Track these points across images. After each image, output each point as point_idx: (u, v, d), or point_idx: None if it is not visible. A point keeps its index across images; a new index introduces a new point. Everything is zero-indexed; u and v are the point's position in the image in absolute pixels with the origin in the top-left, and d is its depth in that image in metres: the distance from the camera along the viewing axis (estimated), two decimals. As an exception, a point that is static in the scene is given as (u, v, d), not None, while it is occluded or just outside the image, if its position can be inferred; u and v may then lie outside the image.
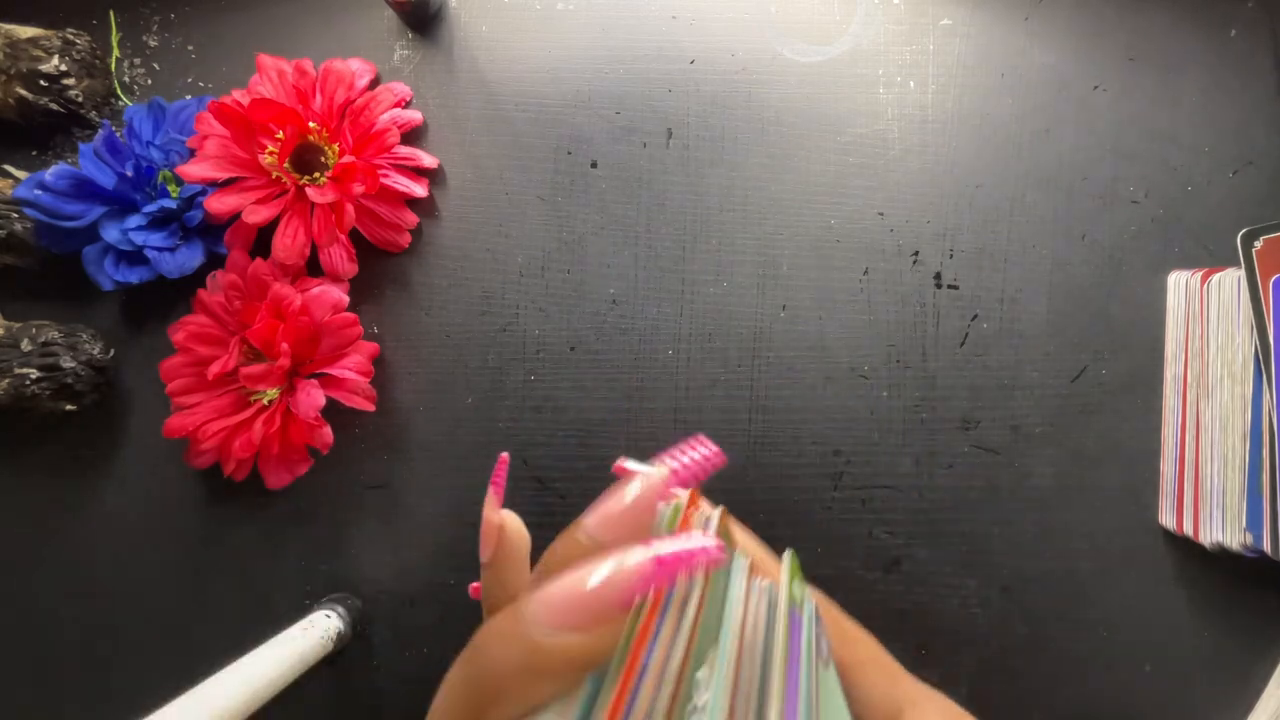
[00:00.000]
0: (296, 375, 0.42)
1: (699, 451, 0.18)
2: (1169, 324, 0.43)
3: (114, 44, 0.46)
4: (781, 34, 0.45)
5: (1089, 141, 0.44)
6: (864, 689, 0.19)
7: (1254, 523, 0.38)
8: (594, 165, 0.45)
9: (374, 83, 0.45)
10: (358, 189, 0.41)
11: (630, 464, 0.21)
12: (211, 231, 0.43)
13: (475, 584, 0.24)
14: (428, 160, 0.44)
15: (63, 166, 0.41)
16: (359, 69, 0.44)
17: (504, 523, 0.21)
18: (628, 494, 0.17)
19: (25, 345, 0.41)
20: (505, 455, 0.23)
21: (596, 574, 0.14)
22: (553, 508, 0.45)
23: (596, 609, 0.14)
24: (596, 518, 0.17)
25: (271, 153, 0.41)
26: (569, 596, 0.14)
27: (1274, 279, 0.38)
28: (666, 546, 0.14)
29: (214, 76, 0.46)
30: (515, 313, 0.45)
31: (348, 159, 0.41)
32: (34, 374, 0.41)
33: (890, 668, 0.20)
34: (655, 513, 0.17)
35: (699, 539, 0.14)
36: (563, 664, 0.13)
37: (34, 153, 0.45)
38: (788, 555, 0.18)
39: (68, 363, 0.41)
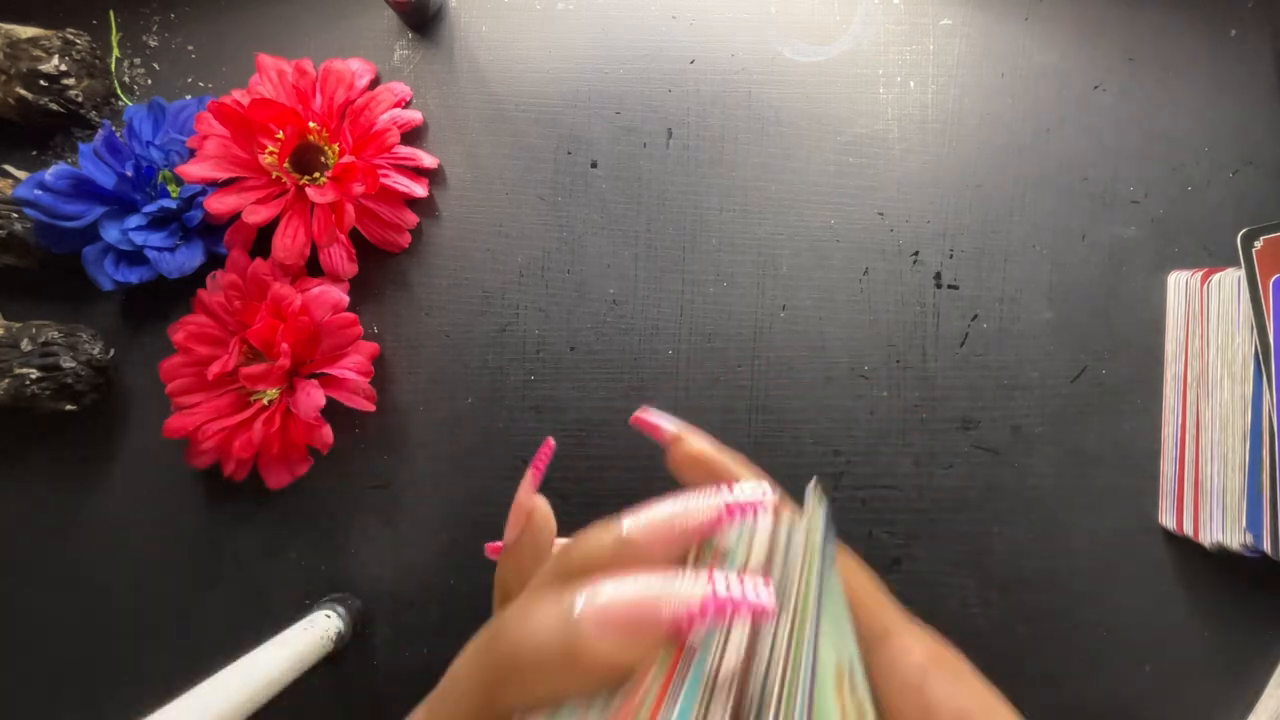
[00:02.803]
0: (296, 375, 0.42)
1: (761, 494, 0.17)
2: (1169, 324, 0.43)
3: (114, 44, 0.46)
4: (781, 34, 0.45)
5: (1089, 141, 0.44)
6: (860, 607, 0.21)
7: (1254, 523, 0.38)
8: (594, 165, 0.45)
9: (374, 83, 0.45)
10: (358, 189, 0.41)
11: (656, 416, 0.22)
12: (211, 231, 0.43)
13: (493, 544, 0.24)
14: (428, 160, 0.44)
15: (63, 166, 0.41)
16: (359, 69, 0.44)
17: (536, 507, 0.20)
18: (673, 507, 0.16)
19: (25, 345, 0.41)
20: (551, 440, 0.22)
21: (646, 585, 0.14)
22: (552, 508, 0.44)
23: (643, 622, 0.13)
24: (636, 520, 0.16)
25: (271, 153, 0.41)
26: (622, 599, 0.14)
27: (1274, 279, 0.38)
28: (723, 586, 0.14)
29: (214, 76, 0.46)
30: (515, 313, 0.45)
31: (348, 159, 0.41)
32: (34, 374, 0.41)
33: (878, 593, 0.22)
34: (698, 538, 0.16)
35: (760, 591, 0.14)
36: (596, 666, 0.13)
37: (34, 153, 0.45)
38: (812, 488, 0.19)
39: (68, 363, 0.41)
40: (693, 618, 0.13)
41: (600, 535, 0.16)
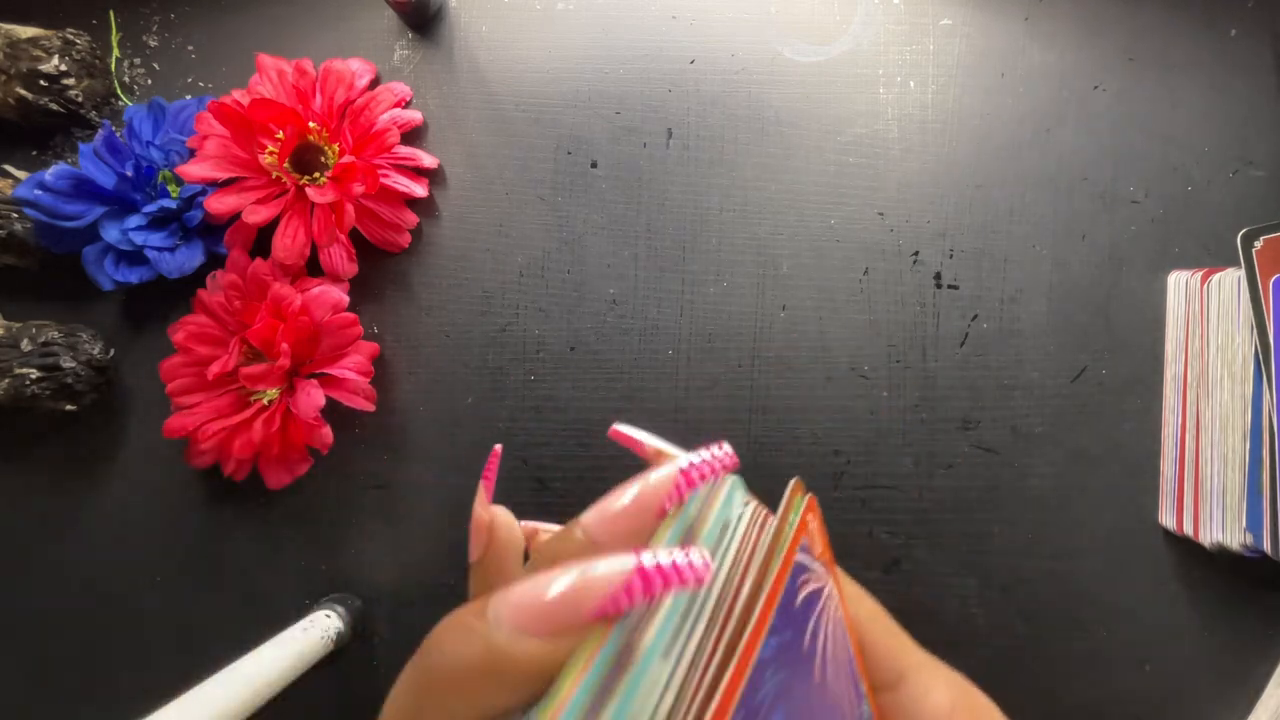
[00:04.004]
0: (296, 375, 0.42)
1: (712, 453, 0.16)
2: (1169, 324, 0.43)
3: (114, 44, 0.46)
4: (781, 34, 0.45)
5: (1089, 141, 0.44)
6: (868, 645, 0.20)
7: (1254, 523, 0.38)
8: (594, 165, 0.45)
9: (374, 83, 0.45)
10: (358, 189, 0.41)
11: (626, 429, 0.21)
12: (211, 231, 0.43)
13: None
14: (428, 160, 0.44)
15: (63, 166, 0.41)
16: (359, 69, 0.44)
17: (495, 519, 0.19)
18: (628, 493, 0.15)
19: (25, 345, 0.41)
20: (498, 448, 0.21)
21: (561, 580, 0.13)
22: (552, 508, 0.45)
23: (561, 618, 0.13)
24: (594, 515, 0.15)
25: (271, 153, 0.41)
26: (534, 599, 0.13)
27: (1274, 279, 0.38)
28: (650, 560, 0.13)
29: (214, 76, 0.46)
30: (515, 313, 0.45)
31: (348, 159, 0.41)
32: (34, 374, 0.41)
33: (894, 628, 0.20)
34: (660, 515, 0.15)
35: (691, 554, 0.13)
36: (522, 671, 0.12)
37: (34, 153, 0.45)
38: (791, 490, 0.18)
39: (68, 363, 0.41)
40: (616, 600, 0.13)
41: (565, 536, 0.15)
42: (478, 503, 0.19)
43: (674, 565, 0.13)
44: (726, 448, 0.17)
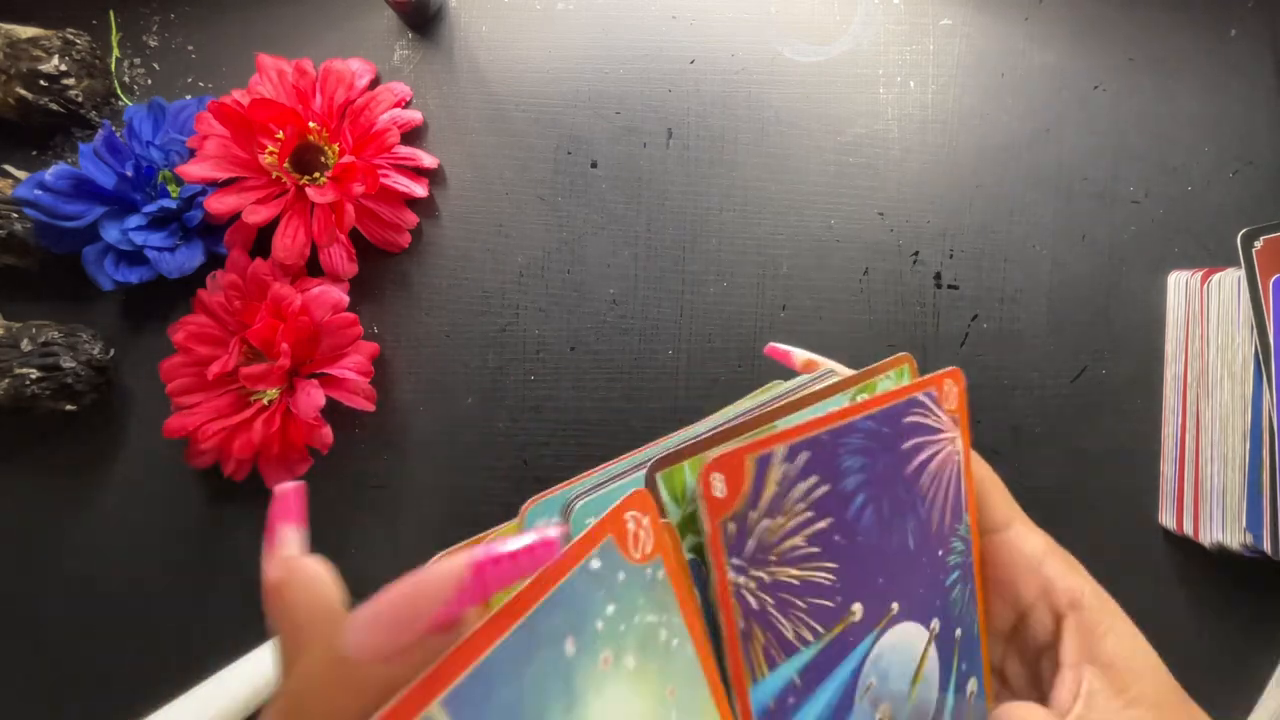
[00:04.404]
0: (296, 375, 0.42)
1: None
2: (1169, 324, 0.43)
3: (114, 44, 0.46)
4: (781, 34, 0.45)
5: (1089, 141, 0.44)
6: (984, 495, 0.25)
7: (1254, 523, 0.38)
8: (594, 165, 0.45)
9: (374, 83, 0.45)
10: (358, 189, 0.41)
11: (780, 345, 0.31)
12: (211, 231, 0.43)
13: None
14: (428, 160, 0.44)
15: (63, 166, 0.41)
16: (359, 69, 0.44)
17: (288, 579, 0.15)
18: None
19: (25, 345, 0.41)
20: (286, 487, 0.17)
21: (406, 587, 0.12)
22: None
23: (399, 642, 0.12)
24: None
25: (271, 153, 0.41)
26: (383, 616, 0.12)
27: (1274, 279, 0.38)
28: (481, 552, 0.12)
29: (214, 76, 0.46)
30: (515, 313, 0.45)
31: (348, 159, 0.41)
32: (34, 374, 0.41)
33: (1009, 495, 0.26)
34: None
35: (527, 538, 0.12)
36: (380, 689, 0.12)
37: (34, 153, 0.45)
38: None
39: (68, 363, 0.41)
40: (450, 607, 0.12)
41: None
42: (266, 564, 0.15)
43: (515, 551, 0.12)
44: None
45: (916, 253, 0.45)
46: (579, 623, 0.14)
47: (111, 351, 0.43)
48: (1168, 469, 0.43)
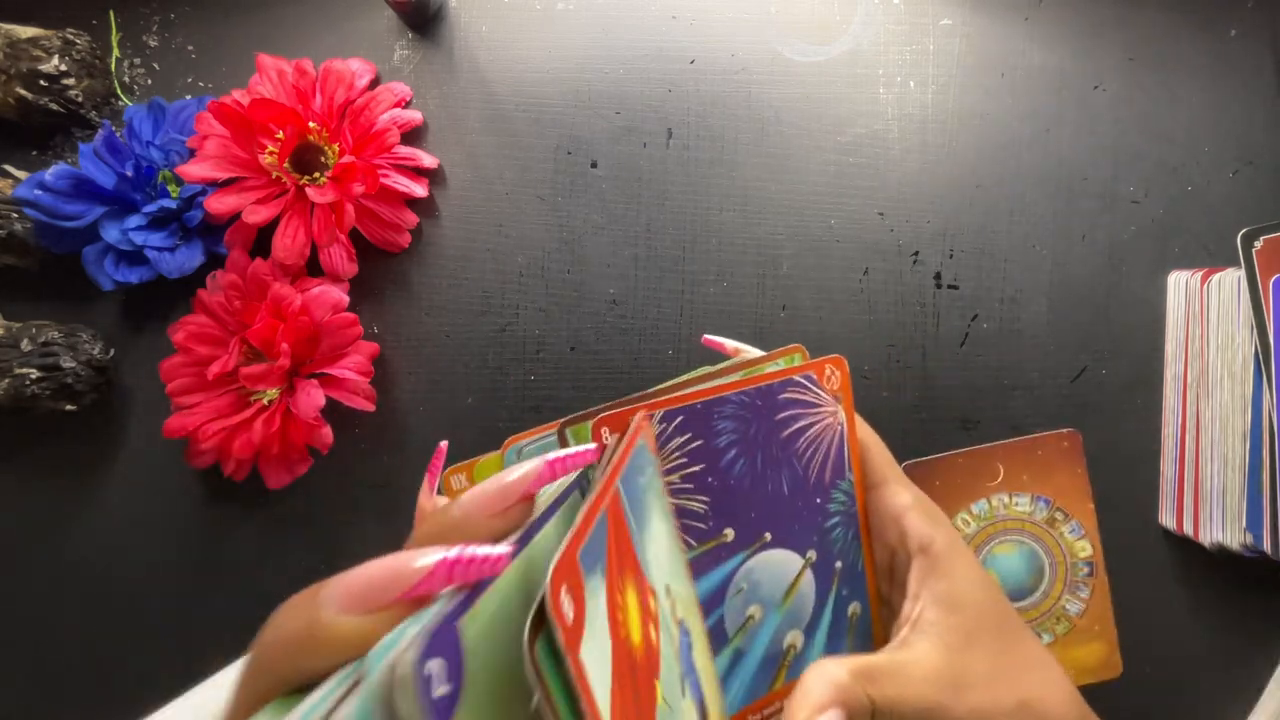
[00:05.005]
0: (296, 375, 0.42)
1: (576, 448, 0.19)
2: (1169, 324, 0.43)
3: (114, 44, 0.46)
4: (781, 34, 0.45)
5: (1089, 141, 0.44)
6: (867, 458, 0.29)
7: (1254, 523, 0.38)
8: (594, 165, 0.45)
9: (374, 83, 0.45)
10: (358, 189, 0.41)
11: (715, 337, 0.34)
12: (211, 231, 0.43)
13: None
14: (428, 160, 0.44)
15: (63, 166, 0.41)
16: (359, 69, 0.44)
17: (436, 508, 0.20)
18: (502, 479, 0.17)
19: (25, 345, 0.41)
20: (444, 444, 0.24)
21: (381, 566, 0.15)
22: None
23: (377, 598, 0.14)
24: (470, 496, 0.17)
25: (271, 153, 0.41)
26: (355, 583, 0.15)
27: (1274, 279, 0.38)
28: (455, 550, 0.14)
29: (214, 76, 0.46)
30: (515, 313, 0.45)
31: (348, 159, 0.41)
32: (34, 374, 0.41)
33: (890, 458, 0.30)
34: (526, 499, 0.17)
35: (495, 548, 0.15)
36: (340, 642, 0.14)
37: (34, 153, 0.45)
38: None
39: (68, 363, 0.41)
40: (425, 582, 0.14)
41: (444, 511, 0.17)
42: (422, 493, 0.22)
43: (474, 557, 0.14)
44: (590, 444, 0.20)
45: (916, 253, 0.45)
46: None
47: (111, 351, 0.43)
48: (1168, 469, 0.43)
